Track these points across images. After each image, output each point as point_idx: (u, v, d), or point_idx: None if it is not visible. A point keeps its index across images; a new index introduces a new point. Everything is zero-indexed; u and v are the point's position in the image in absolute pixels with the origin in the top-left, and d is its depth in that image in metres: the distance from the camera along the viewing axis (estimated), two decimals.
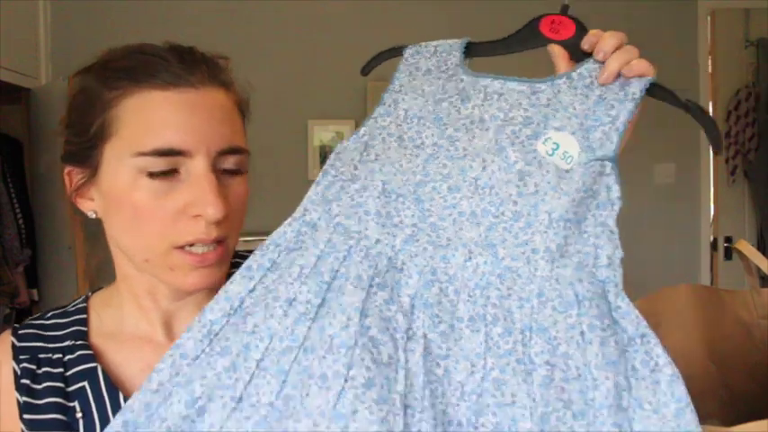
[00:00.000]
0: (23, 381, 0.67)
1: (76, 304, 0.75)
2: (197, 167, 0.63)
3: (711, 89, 3.17)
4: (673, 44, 3.15)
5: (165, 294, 0.71)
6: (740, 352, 0.86)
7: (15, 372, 0.67)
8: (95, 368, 0.68)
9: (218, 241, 0.65)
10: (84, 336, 0.71)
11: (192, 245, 0.64)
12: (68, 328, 0.71)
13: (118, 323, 0.72)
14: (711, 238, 3.19)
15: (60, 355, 0.69)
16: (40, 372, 0.68)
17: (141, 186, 0.63)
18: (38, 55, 2.84)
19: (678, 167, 3.17)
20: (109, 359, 0.70)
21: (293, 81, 2.98)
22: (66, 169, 0.70)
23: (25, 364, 0.68)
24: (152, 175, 0.62)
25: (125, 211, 0.65)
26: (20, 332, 0.70)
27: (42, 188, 2.79)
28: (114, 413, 0.66)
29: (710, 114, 0.63)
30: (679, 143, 3.17)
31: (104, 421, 0.66)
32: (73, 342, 0.70)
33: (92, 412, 0.67)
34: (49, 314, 0.74)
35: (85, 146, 0.67)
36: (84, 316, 0.73)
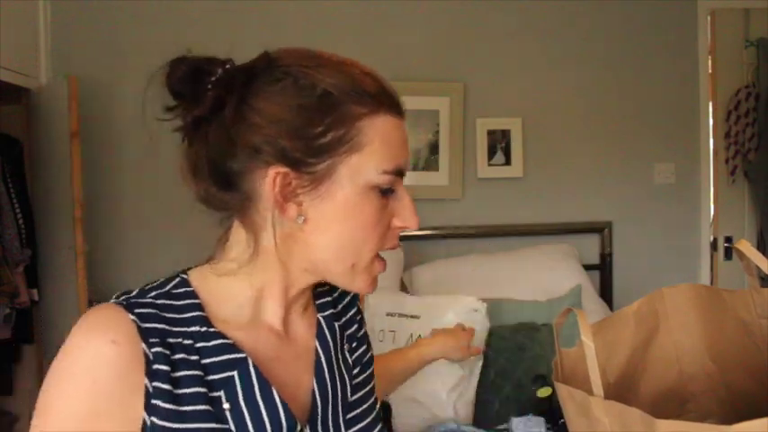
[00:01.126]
0: (157, 366, 0.62)
1: (178, 286, 0.71)
2: (402, 186, 0.72)
3: (711, 89, 3.16)
4: (673, 44, 3.15)
5: (295, 292, 0.75)
6: (740, 352, 0.86)
7: (146, 355, 0.62)
8: (245, 359, 0.69)
9: None
10: (209, 322, 0.69)
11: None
12: (186, 312, 0.68)
13: (234, 311, 0.72)
14: (711, 238, 3.19)
15: (191, 341, 0.67)
16: (174, 358, 0.64)
17: (372, 201, 0.69)
18: (38, 55, 2.84)
19: (678, 167, 3.17)
20: (244, 349, 0.70)
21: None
22: (276, 169, 0.66)
23: (158, 349, 0.63)
24: (383, 191, 0.69)
25: (351, 221, 0.69)
26: (136, 311, 0.64)
27: (42, 188, 2.79)
28: (267, 407, 0.68)
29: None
30: (679, 143, 3.17)
31: (255, 414, 0.67)
32: (203, 329, 0.68)
33: (239, 403, 0.67)
34: (152, 293, 0.69)
35: (312, 153, 0.66)
36: (199, 301, 0.70)
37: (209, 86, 0.68)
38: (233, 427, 0.66)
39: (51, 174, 2.71)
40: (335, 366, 0.79)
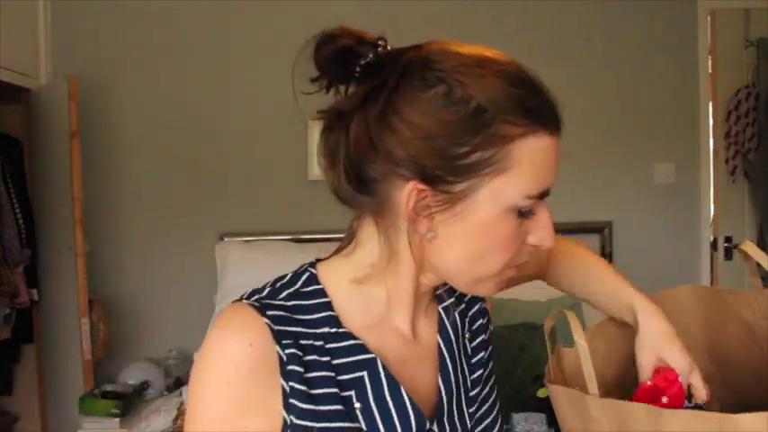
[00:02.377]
0: (291, 367, 0.64)
1: (309, 284, 0.71)
2: (544, 204, 0.69)
3: (711, 89, 3.16)
4: (673, 44, 3.15)
5: (422, 293, 0.74)
6: (742, 353, 0.86)
7: (280, 357, 0.64)
8: (375, 359, 0.69)
9: None
10: (339, 323, 0.69)
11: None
12: (316, 312, 0.69)
13: (367, 313, 0.72)
14: (711, 238, 3.19)
15: (322, 343, 0.67)
16: (307, 359, 0.65)
17: (510, 223, 0.65)
18: (38, 55, 2.84)
19: (678, 167, 3.16)
20: (373, 350, 0.70)
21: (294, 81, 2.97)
22: (415, 185, 0.64)
23: (291, 350, 0.64)
24: (521, 214, 0.66)
25: (484, 242, 0.66)
26: (269, 313, 0.65)
27: (42, 188, 2.79)
28: (396, 406, 0.68)
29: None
30: (679, 143, 3.16)
31: (384, 413, 0.67)
32: (333, 330, 0.68)
33: (370, 403, 0.67)
34: (283, 293, 0.69)
35: (454, 171, 0.63)
36: (328, 300, 0.70)
37: (358, 71, 0.66)
38: (364, 427, 0.67)
39: (51, 174, 2.71)
40: (458, 360, 0.78)
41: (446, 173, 0.63)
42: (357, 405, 0.67)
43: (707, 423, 0.61)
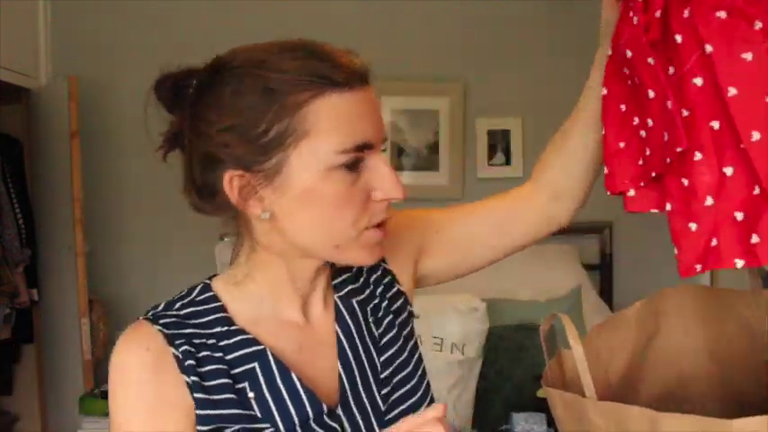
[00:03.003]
0: (188, 362, 0.70)
1: (202, 293, 0.77)
2: (379, 157, 0.71)
3: None
4: None
5: (304, 280, 0.77)
6: (742, 352, 0.86)
7: (176, 356, 0.70)
8: (264, 350, 0.74)
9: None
10: (231, 322, 0.75)
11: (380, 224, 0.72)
12: (209, 315, 0.75)
13: (255, 309, 0.77)
14: None
15: (214, 341, 0.73)
16: (200, 355, 0.71)
17: (336, 179, 0.68)
18: (38, 55, 2.83)
19: None
20: (265, 342, 0.74)
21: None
22: (228, 175, 0.70)
23: (184, 347, 0.70)
24: (347, 167, 0.68)
25: (319, 205, 0.69)
26: (161, 321, 0.72)
27: (42, 188, 2.79)
28: (289, 393, 0.72)
29: None
30: None
31: (278, 401, 0.72)
32: (225, 328, 0.74)
33: (263, 392, 0.72)
34: (177, 305, 0.75)
35: (260, 150, 0.68)
36: (221, 303, 0.76)
37: (187, 99, 0.73)
38: (259, 414, 0.71)
39: (51, 174, 2.71)
40: (361, 345, 0.80)
41: (254, 154, 0.68)
42: (251, 395, 0.71)
43: (703, 427, 0.61)
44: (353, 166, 0.69)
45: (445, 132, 3.00)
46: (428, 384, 0.84)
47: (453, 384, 1.89)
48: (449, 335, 1.99)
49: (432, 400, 0.83)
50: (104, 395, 2.47)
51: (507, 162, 3.05)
